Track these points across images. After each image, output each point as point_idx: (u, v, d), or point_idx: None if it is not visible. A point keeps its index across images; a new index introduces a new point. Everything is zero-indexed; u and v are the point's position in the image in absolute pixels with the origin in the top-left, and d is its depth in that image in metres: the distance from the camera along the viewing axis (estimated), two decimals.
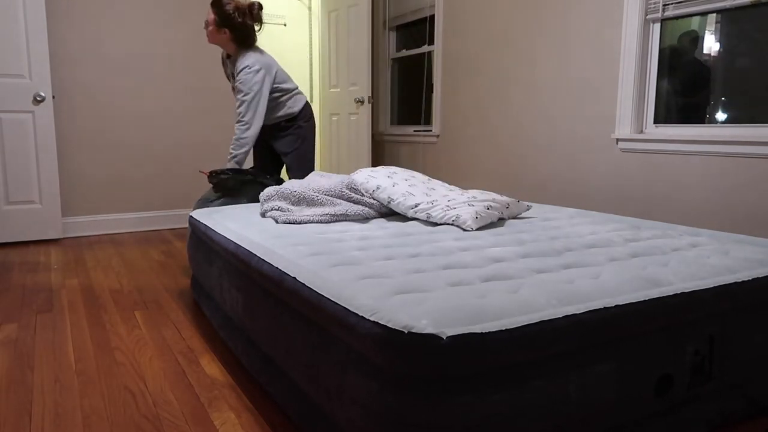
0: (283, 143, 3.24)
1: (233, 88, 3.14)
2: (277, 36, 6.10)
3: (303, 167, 3.27)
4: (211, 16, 3.01)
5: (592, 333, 1.19)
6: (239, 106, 3.02)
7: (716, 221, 2.63)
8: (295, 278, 1.44)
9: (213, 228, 2.17)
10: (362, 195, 2.33)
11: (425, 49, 4.68)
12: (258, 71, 3.02)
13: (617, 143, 3.05)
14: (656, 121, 2.95)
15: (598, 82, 3.15)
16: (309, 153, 3.31)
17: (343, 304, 1.22)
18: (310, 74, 5.98)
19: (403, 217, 2.31)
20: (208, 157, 4.63)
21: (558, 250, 1.72)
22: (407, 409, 1.06)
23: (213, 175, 2.96)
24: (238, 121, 3.03)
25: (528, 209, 2.42)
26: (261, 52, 3.10)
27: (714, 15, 2.69)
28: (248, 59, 3.03)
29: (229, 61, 3.18)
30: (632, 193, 3.00)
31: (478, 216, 2.06)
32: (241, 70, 3.01)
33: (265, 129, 3.24)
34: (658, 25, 2.89)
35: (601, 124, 3.14)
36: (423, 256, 1.62)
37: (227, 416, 1.60)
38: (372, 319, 1.12)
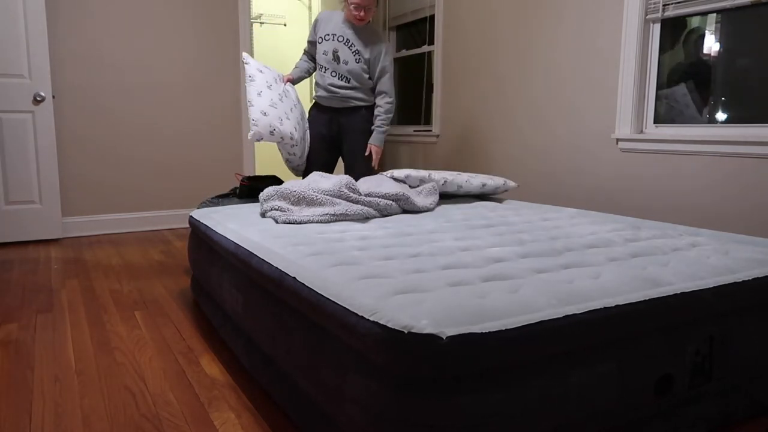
0: (352, 133, 3.26)
1: (334, 56, 3.18)
2: (277, 36, 6.10)
3: (366, 165, 3.26)
4: None
5: (592, 333, 1.19)
6: (387, 83, 3.19)
7: (716, 221, 2.63)
8: (295, 278, 1.44)
9: (213, 228, 2.17)
10: (360, 195, 2.34)
11: (425, 49, 4.68)
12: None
13: (617, 143, 3.05)
14: (656, 121, 2.95)
15: (598, 82, 3.15)
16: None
17: (343, 304, 1.22)
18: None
19: (403, 218, 2.31)
20: (209, 157, 4.63)
21: (558, 250, 1.72)
22: (407, 409, 1.06)
23: (248, 182, 3.03)
24: (386, 97, 3.19)
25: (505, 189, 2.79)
26: None
27: (714, 15, 2.69)
28: (382, 35, 3.20)
29: (343, 24, 3.17)
30: (632, 193, 3.00)
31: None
32: (387, 49, 3.17)
33: (334, 112, 3.27)
34: (658, 25, 2.89)
35: (601, 124, 3.14)
36: (423, 256, 1.62)
37: (227, 416, 1.60)
38: (372, 319, 1.12)
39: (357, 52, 3.11)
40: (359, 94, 3.18)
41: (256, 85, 3.03)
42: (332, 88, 3.18)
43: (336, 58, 3.14)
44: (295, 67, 3.39)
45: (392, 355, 1.06)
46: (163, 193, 4.50)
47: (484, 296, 1.24)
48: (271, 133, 2.95)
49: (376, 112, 3.19)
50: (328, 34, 3.16)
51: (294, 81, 3.34)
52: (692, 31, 2.80)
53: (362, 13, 3.04)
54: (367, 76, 3.17)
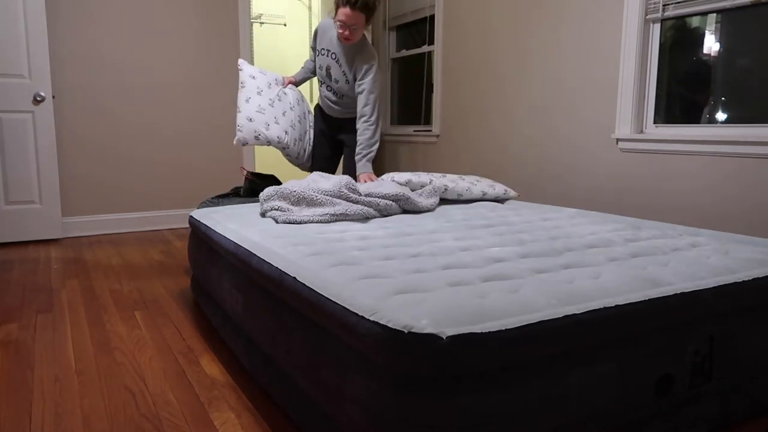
0: (352, 134, 3.22)
1: (327, 72, 3.13)
2: (277, 36, 6.10)
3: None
4: (361, 16, 2.88)
5: (592, 333, 1.19)
6: (366, 105, 3.01)
7: (716, 221, 2.63)
8: (295, 278, 1.44)
9: (213, 228, 2.17)
10: (360, 195, 2.34)
11: (425, 49, 4.68)
12: (377, 68, 3.05)
13: (617, 143, 3.05)
14: (656, 121, 2.95)
15: (598, 82, 3.15)
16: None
17: (343, 304, 1.22)
18: None
19: (403, 218, 2.31)
20: (209, 157, 4.63)
21: (558, 250, 1.72)
22: (407, 409, 1.06)
23: (253, 177, 3.04)
24: (367, 121, 3.01)
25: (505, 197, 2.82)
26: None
27: (714, 15, 2.69)
28: (371, 54, 3.03)
29: (338, 41, 3.06)
30: (632, 193, 3.00)
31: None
32: (369, 68, 3.00)
33: (338, 122, 3.26)
34: (658, 25, 2.89)
35: (601, 124, 3.14)
36: (423, 256, 1.62)
37: (227, 416, 1.60)
38: (372, 319, 1.12)
39: (344, 73, 3.07)
40: (354, 109, 3.19)
41: (245, 92, 3.07)
42: (328, 102, 3.22)
43: (328, 74, 3.14)
44: (302, 67, 3.40)
45: (392, 355, 1.06)
46: (163, 193, 4.50)
47: (484, 296, 1.24)
48: (257, 138, 2.99)
49: (357, 138, 3.02)
50: (324, 49, 3.13)
51: (297, 83, 3.36)
52: (692, 31, 2.80)
53: (347, 33, 2.91)
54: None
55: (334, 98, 3.17)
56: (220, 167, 4.69)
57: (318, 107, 3.37)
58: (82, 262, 3.43)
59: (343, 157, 3.32)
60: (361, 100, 3.01)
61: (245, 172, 3.10)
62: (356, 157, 3.04)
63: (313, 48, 3.27)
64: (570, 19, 3.29)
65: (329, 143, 3.32)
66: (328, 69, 3.12)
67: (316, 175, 2.63)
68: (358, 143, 3.03)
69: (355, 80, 3.06)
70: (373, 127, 3.01)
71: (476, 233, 1.97)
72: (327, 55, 3.11)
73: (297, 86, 3.38)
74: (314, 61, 3.35)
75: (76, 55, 4.09)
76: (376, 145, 3.05)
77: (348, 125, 3.23)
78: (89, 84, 4.16)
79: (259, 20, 5.98)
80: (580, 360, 1.20)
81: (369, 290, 1.26)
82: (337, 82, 3.11)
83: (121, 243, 3.99)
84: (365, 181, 2.94)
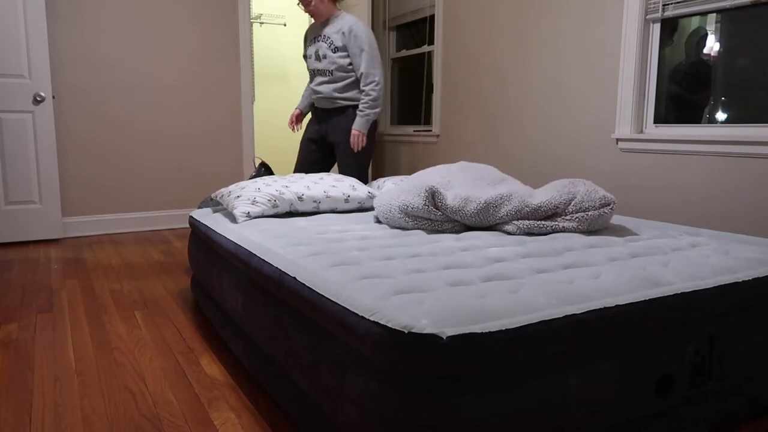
0: (340, 132, 3.20)
1: (316, 56, 3.20)
2: (277, 36, 6.11)
3: (359, 164, 3.22)
4: None
5: (592, 333, 1.19)
6: (365, 63, 3.07)
7: (716, 221, 2.63)
8: (295, 278, 1.44)
9: (213, 228, 2.17)
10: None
11: (425, 49, 4.68)
12: (368, 28, 3.12)
13: (617, 143, 3.05)
14: (656, 120, 2.95)
15: (598, 82, 3.15)
16: (368, 151, 3.24)
17: (343, 304, 1.22)
18: None
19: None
20: (209, 157, 4.63)
21: (558, 250, 1.72)
22: (407, 409, 1.06)
23: (262, 169, 3.07)
24: (371, 81, 3.07)
25: None
26: None
27: (714, 15, 2.69)
28: (352, 17, 3.13)
29: (319, 25, 3.22)
30: (632, 193, 3.00)
31: None
32: (352, 27, 3.07)
33: (324, 113, 3.27)
34: (658, 25, 2.89)
35: (601, 124, 3.14)
36: (423, 256, 1.62)
37: (227, 416, 1.60)
38: (372, 319, 1.12)
39: (331, 43, 3.14)
40: (345, 93, 3.17)
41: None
42: (319, 89, 3.23)
43: (317, 57, 3.20)
44: (303, 96, 3.47)
45: (392, 355, 1.06)
46: (163, 193, 4.50)
47: (484, 296, 1.24)
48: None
49: (361, 96, 3.13)
50: (310, 40, 3.26)
51: (303, 111, 3.41)
52: (693, 31, 2.80)
53: (305, 6, 3.09)
54: (347, 62, 3.14)
55: (324, 80, 3.19)
56: (220, 167, 4.69)
57: (312, 112, 3.42)
58: (82, 262, 3.43)
59: (337, 161, 3.30)
60: (362, 62, 3.09)
61: (260, 161, 3.11)
62: (357, 112, 3.14)
63: (305, 55, 3.37)
64: (570, 18, 3.28)
65: (317, 146, 3.33)
66: (317, 52, 3.20)
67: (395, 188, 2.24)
68: (360, 100, 3.14)
69: (343, 47, 3.12)
70: (375, 86, 3.09)
71: (476, 233, 1.97)
72: (314, 43, 3.22)
73: (304, 115, 3.44)
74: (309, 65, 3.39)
75: (76, 55, 4.09)
76: (377, 109, 3.12)
77: (339, 117, 3.22)
78: (89, 84, 4.16)
79: (259, 20, 5.98)
80: (580, 360, 1.20)
81: (369, 290, 1.26)
82: (325, 57, 3.16)
83: (121, 243, 3.99)
84: (355, 137, 3.09)
